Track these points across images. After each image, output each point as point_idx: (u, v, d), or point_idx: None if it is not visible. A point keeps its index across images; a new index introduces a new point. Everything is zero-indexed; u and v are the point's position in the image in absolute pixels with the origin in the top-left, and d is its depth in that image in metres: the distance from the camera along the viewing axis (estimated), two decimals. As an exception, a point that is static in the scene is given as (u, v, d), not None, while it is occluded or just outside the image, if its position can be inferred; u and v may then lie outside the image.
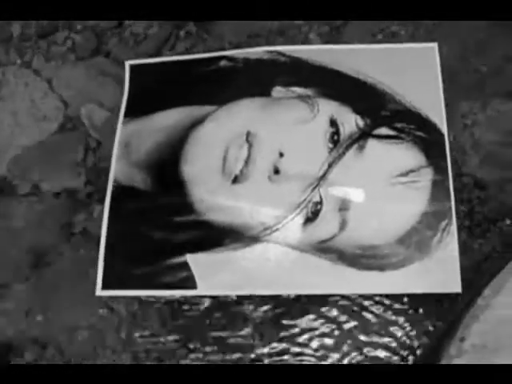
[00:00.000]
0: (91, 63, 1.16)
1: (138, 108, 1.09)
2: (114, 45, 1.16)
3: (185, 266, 0.97)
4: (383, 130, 1.01)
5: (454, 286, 0.91)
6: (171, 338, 0.94)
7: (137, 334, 0.95)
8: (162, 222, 1.00)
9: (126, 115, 1.09)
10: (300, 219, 0.97)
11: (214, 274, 0.96)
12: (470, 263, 0.93)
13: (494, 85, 1.04)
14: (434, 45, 1.07)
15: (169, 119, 1.07)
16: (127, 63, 1.14)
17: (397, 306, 0.92)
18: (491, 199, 0.96)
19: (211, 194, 1.00)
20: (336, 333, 0.92)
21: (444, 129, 1.00)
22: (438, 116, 1.01)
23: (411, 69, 1.06)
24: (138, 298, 0.97)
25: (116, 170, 1.04)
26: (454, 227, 0.94)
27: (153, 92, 1.11)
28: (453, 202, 0.96)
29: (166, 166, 1.03)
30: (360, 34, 1.12)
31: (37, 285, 1.00)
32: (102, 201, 1.03)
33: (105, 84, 1.13)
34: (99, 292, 0.96)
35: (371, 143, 1.00)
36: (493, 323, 0.79)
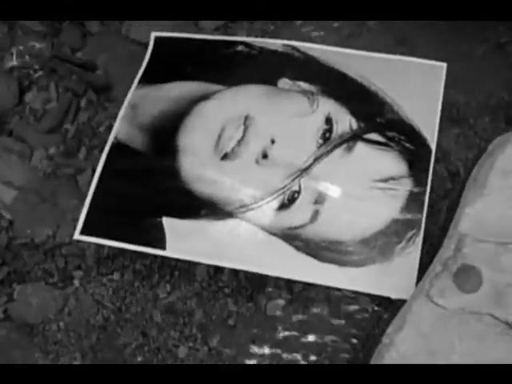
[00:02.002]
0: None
1: (153, 76, 1.16)
2: (16, 123, 1.17)
3: (159, 227, 1.02)
4: (374, 136, 1.04)
5: (407, 293, 0.92)
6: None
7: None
8: (148, 183, 1.06)
9: (140, 81, 1.15)
10: (275, 204, 1.01)
11: (185, 240, 1.01)
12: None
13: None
14: (443, 64, 1.09)
15: (178, 90, 1.13)
16: (153, 34, 1.21)
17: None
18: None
19: (200, 166, 1.06)
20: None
21: (433, 145, 1.03)
22: (430, 132, 1.03)
23: (416, 83, 1.08)
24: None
25: (119, 128, 1.11)
26: (419, 239, 0.96)
27: (169, 63, 1.17)
28: (424, 215, 0.98)
29: (165, 133, 1.09)
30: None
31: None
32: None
33: (10, 162, 1.14)
34: (77, 236, 1.03)
35: (360, 146, 1.03)
36: (397, 360, 0.81)
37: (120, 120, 1.12)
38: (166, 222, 1.02)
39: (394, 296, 0.93)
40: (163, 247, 1.00)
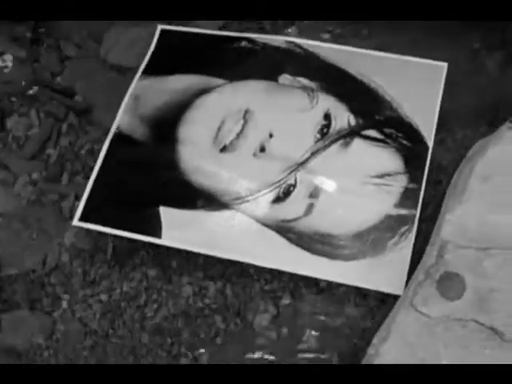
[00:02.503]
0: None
1: (157, 68, 1.18)
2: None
3: (156, 216, 1.03)
4: (372, 132, 1.05)
5: (397, 288, 0.93)
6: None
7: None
8: (148, 173, 1.08)
9: (144, 72, 1.17)
10: (271, 196, 1.02)
11: (181, 230, 1.02)
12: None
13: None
14: (444, 64, 1.10)
15: (180, 83, 1.15)
16: (159, 27, 1.23)
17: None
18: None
19: (198, 157, 1.07)
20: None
21: (430, 143, 1.03)
22: (428, 130, 1.04)
23: (416, 82, 1.09)
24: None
25: (121, 119, 1.13)
26: (412, 234, 0.97)
27: (173, 56, 1.19)
28: (418, 211, 0.98)
29: (166, 124, 1.11)
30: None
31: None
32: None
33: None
34: (75, 222, 1.05)
35: (357, 142, 1.04)
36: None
37: (122, 110, 1.14)
38: (163, 211, 1.04)
39: (384, 290, 0.94)
40: (159, 236, 1.02)
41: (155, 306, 1.01)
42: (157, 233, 1.02)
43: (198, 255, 1.01)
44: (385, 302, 0.95)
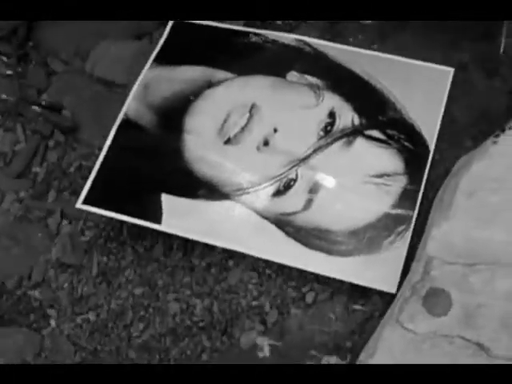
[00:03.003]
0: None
1: (167, 58, 1.20)
2: None
3: (158, 202, 1.05)
4: (375, 133, 1.06)
5: (391, 286, 0.94)
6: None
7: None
8: (152, 160, 1.10)
9: (154, 60, 1.19)
10: (271, 189, 1.04)
11: (181, 217, 1.04)
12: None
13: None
14: (450, 69, 1.11)
15: (190, 74, 1.17)
16: (170, 22, 1.24)
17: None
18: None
19: (203, 148, 1.09)
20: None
21: (432, 146, 1.04)
22: (430, 133, 1.05)
23: (421, 85, 1.10)
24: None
25: (130, 106, 1.15)
26: (408, 234, 0.98)
27: (183, 48, 1.21)
28: (416, 212, 0.99)
29: (173, 114, 1.13)
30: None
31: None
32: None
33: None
34: (79, 205, 1.07)
35: (360, 141, 1.05)
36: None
37: (131, 98, 1.16)
38: (165, 198, 1.06)
39: (377, 287, 0.95)
40: (159, 222, 1.04)
41: (142, 324, 1.02)
42: (157, 219, 1.04)
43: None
44: (372, 317, 0.95)
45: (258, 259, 1.00)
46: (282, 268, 1.00)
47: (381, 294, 0.95)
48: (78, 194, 1.08)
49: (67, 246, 1.08)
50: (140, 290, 1.04)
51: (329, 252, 0.98)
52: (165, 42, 1.22)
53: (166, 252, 1.05)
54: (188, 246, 1.05)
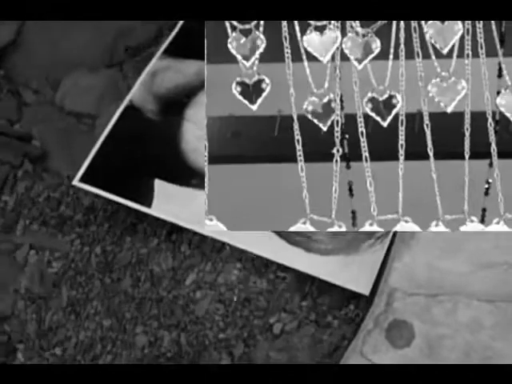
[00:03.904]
0: None
1: (177, 49, 1.24)
2: None
3: (150, 187, 1.09)
4: None
5: (365, 288, 0.95)
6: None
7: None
8: (150, 146, 1.14)
9: (165, 51, 1.24)
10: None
11: (171, 203, 1.07)
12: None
13: None
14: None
15: (197, 68, 1.20)
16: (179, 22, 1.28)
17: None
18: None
19: (199, 139, 1.12)
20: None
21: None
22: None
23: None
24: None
25: (135, 92, 1.19)
26: (388, 239, 0.98)
27: (191, 41, 1.24)
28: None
29: (175, 105, 1.17)
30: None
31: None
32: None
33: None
34: (75, 182, 1.11)
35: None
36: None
37: (138, 85, 1.20)
38: (157, 183, 1.09)
39: (351, 288, 0.96)
40: (149, 206, 1.07)
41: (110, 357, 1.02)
42: (147, 203, 1.07)
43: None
44: (338, 348, 0.95)
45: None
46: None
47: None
48: (46, 225, 1.12)
49: (36, 274, 1.09)
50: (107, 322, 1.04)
51: (308, 249, 1.00)
52: (176, 34, 1.26)
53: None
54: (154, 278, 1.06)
